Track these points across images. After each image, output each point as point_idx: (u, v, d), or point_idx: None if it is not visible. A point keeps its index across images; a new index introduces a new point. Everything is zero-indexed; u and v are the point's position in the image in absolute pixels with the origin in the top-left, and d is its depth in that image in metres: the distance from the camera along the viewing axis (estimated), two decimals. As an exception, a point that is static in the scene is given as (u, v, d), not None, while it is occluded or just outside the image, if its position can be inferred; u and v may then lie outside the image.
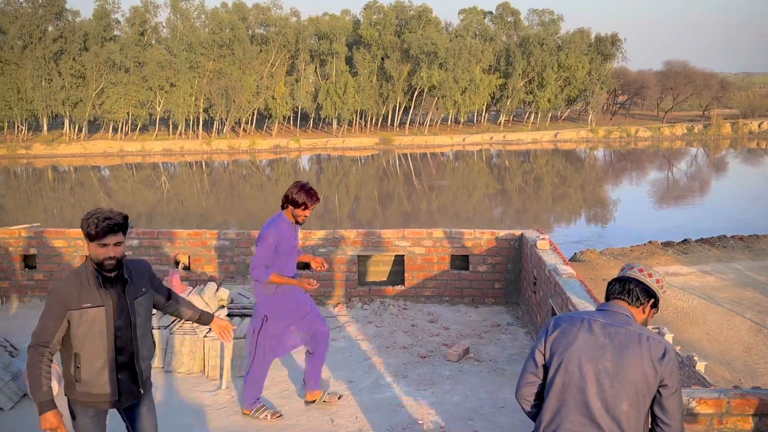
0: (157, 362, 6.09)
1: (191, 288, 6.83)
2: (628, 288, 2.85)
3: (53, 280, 7.89)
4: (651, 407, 2.72)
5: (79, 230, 7.81)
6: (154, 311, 3.95)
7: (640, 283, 2.86)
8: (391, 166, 52.21)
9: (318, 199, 5.01)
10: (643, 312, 2.85)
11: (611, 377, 2.65)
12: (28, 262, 8.06)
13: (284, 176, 48.45)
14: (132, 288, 3.47)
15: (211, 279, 7.83)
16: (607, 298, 2.91)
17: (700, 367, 10.87)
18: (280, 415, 5.16)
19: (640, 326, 2.77)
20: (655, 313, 2.95)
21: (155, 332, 6.11)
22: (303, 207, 4.93)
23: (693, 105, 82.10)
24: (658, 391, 2.68)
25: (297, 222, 5.03)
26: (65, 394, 3.49)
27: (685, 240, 22.27)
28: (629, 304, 2.83)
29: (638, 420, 2.67)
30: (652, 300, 2.87)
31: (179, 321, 6.30)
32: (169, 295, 3.86)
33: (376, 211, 33.04)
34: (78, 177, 47.54)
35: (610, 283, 2.94)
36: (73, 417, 3.49)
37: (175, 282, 6.45)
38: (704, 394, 3.54)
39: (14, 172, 49.77)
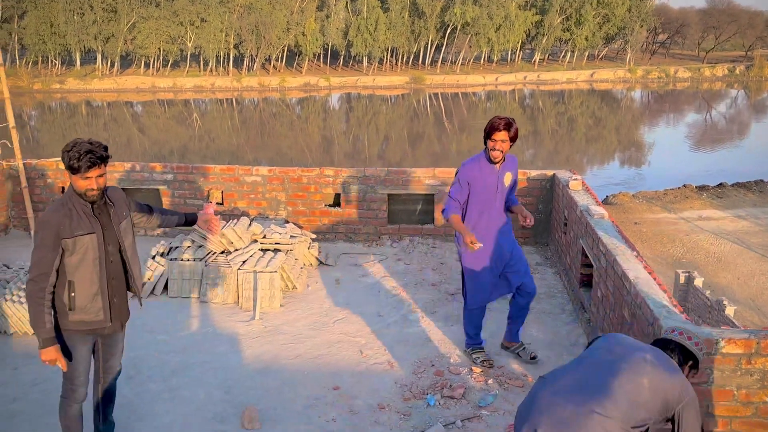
0: (192, 293, 6.27)
1: (224, 222, 6.95)
2: (669, 349, 3.01)
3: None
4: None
5: (116, 163, 7.94)
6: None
7: (680, 346, 3.03)
8: (422, 106, 51.64)
9: (502, 128, 4.55)
10: (683, 372, 2.98)
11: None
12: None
13: (314, 115, 48.29)
14: (116, 213, 3.61)
15: (244, 214, 7.94)
16: None
17: (730, 311, 10.84)
18: (491, 365, 5.01)
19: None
20: (695, 375, 3.10)
21: (191, 264, 6.27)
22: (489, 139, 4.58)
23: (735, 45, 79.19)
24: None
25: (489, 160, 4.67)
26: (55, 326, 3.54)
27: (720, 184, 21.85)
28: None
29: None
30: (691, 362, 3.04)
31: (213, 254, 6.45)
32: (151, 209, 4.02)
33: (406, 151, 32.89)
34: (111, 112, 47.95)
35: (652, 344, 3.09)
36: (65, 348, 3.54)
37: (209, 215, 6.56)
38: (733, 334, 3.55)
39: (49, 107, 50.36)
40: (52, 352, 3.42)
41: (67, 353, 3.53)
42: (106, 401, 3.90)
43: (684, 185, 21.48)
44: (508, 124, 4.58)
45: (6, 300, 5.46)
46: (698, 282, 11.79)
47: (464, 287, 5.07)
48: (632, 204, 19.36)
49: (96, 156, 3.35)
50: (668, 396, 2.74)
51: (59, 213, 3.40)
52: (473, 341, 5.15)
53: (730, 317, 10.67)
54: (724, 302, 11.00)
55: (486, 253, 4.83)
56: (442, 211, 4.86)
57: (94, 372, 3.81)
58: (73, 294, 3.46)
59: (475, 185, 4.70)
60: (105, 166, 3.44)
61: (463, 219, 4.81)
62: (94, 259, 3.48)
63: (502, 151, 4.61)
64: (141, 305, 3.93)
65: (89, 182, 3.39)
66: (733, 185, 21.17)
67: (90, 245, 3.45)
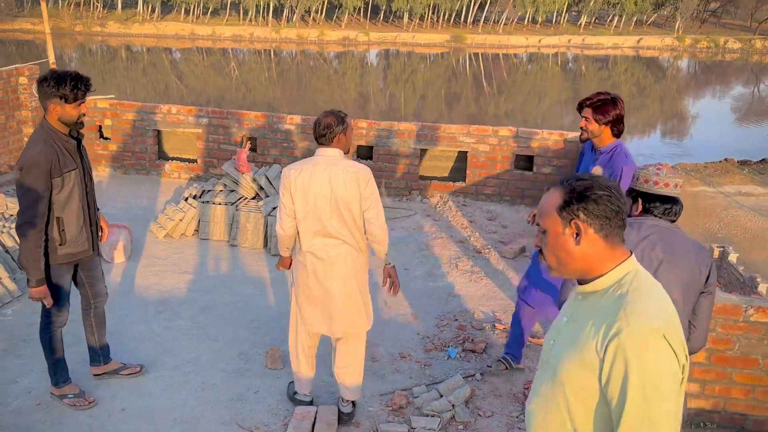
0: (223, 235, 6.37)
1: (257, 168, 7.00)
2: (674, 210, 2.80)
3: (125, 152, 8.21)
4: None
5: (154, 105, 8.02)
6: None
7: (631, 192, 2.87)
8: (461, 66, 50.89)
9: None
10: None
11: (665, 266, 2.65)
12: (103, 132, 8.37)
13: (351, 70, 47.94)
14: (82, 147, 3.69)
15: (276, 162, 7.99)
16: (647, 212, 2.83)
17: (762, 288, 10.69)
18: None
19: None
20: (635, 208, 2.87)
21: (222, 207, 6.35)
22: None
23: (793, 17, 76.04)
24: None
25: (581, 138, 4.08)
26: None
27: (763, 159, 21.27)
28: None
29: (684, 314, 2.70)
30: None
31: (245, 199, 6.52)
32: None
33: (442, 111, 32.57)
34: (150, 58, 48.19)
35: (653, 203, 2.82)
36: (49, 282, 3.63)
37: (241, 160, 6.62)
38: (763, 302, 3.51)
39: (89, 49, 50.77)
40: (44, 290, 3.54)
41: (51, 286, 3.63)
42: (100, 326, 4.03)
43: (725, 159, 20.97)
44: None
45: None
46: (732, 257, 11.61)
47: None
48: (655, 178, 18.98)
49: (90, 83, 3.47)
50: None
51: (47, 151, 3.39)
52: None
53: (762, 294, 10.53)
54: (757, 279, 10.84)
55: None
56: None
57: (83, 301, 3.95)
58: (62, 229, 3.55)
59: None
60: None
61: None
62: (79, 194, 3.58)
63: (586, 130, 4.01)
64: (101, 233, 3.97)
65: (81, 108, 3.47)
66: (777, 161, 20.59)
67: (76, 180, 3.54)
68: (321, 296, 3.55)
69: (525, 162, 7.94)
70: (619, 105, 3.90)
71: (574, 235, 1.71)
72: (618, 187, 1.74)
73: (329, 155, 3.47)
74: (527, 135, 7.71)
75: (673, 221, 2.75)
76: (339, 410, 3.77)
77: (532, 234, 6.97)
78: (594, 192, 1.71)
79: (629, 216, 2.82)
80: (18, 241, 3.54)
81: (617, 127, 3.91)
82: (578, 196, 1.71)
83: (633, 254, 1.76)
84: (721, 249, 12.38)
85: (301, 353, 3.77)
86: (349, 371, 3.73)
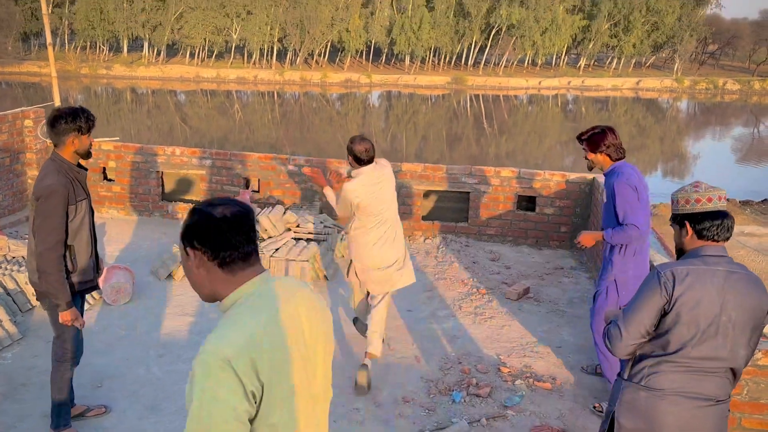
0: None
1: (259, 209, 7.02)
2: (726, 225, 2.65)
3: (129, 193, 8.24)
4: None
5: (157, 146, 8.07)
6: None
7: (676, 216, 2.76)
8: (462, 107, 51.40)
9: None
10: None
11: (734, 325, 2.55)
12: (107, 174, 8.42)
13: (353, 111, 48.42)
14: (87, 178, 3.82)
15: (279, 203, 8.01)
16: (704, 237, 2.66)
17: (766, 330, 10.58)
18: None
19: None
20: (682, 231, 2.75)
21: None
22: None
23: (790, 59, 77.05)
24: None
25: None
26: None
27: (765, 200, 21.32)
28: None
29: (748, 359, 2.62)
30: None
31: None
32: None
33: (444, 152, 32.79)
34: (155, 100, 48.79)
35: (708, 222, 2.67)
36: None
37: (244, 201, 6.64)
38: (771, 346, 3.46)
39: (95, 92, 51.45)
40: (75, 311, 3.61)
41: None
42: (80, 352, 3.97)
43: (727, 199, 20.98)
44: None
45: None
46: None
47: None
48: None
49: (91, 113, 3.69)
50: None
51: (63, 181, 3.52)
52: None
53: (766, 334, 10.40)
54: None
55: None
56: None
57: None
58: (74, 257, 3.63)
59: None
60: None
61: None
62: (88, 223, 3.69)
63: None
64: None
65: (91, 138, 3.67)
66: (779, 202, 20.61)
67: (86, 209, 3.68)
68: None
69: (527, 202, 7.95)
70: (608, 134, 4.33)
71: (193, 261, 1.78)
72: (233, 220, 1.75)
73: (380, 164, 4.63)
74: (529, 176, 7.74)
75: (728, 238, 2.62)
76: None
77: (536, 276, 6.94)
78: (203, 222, 1.75)
79: (680, 244, 2.71)
80: (39, 270, 3.56)
81: (612, 152, 4.32)
82: (190, 225, 1.77)
83: (260, 275, 1.79)
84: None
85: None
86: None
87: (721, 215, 2.62)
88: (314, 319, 1.85)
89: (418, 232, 8.00)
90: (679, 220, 2.70)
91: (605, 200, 4.39)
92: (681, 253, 2.74)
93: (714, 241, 2.62)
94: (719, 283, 2.52)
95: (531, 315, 5.93)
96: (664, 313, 2.56)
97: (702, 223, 2.62)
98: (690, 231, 2.65)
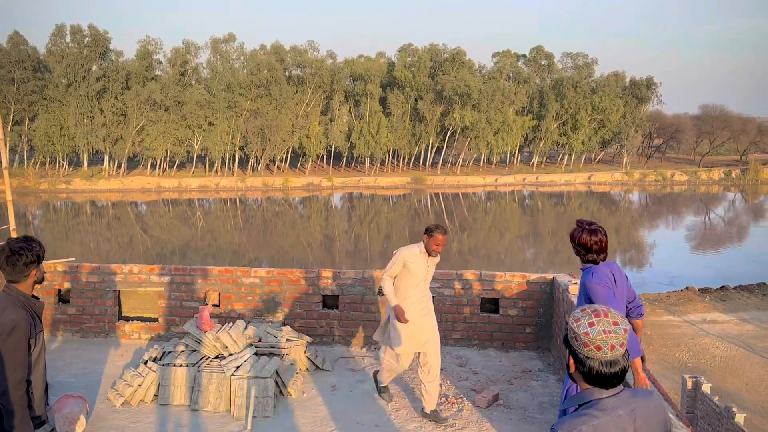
0: (183, 400, 6.08)
1: (220, 325, 6.84)
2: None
3: (84, 315, 7.99)
4: None
5: (115, 265, 7.93)
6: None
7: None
8: (423, 206, 52.24)
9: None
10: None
11: None
12: (63, 296, 8.18)
13: (316, 213, 48.79)
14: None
15: (240, 316, 7.84)
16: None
17: (740, 418, 10.50)
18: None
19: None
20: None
21: (183, 369, 6.12)
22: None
23: (730, 149, 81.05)
24: None
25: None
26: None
27: (723, 287, 21.77)
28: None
29: None
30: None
31: (207, 359, 6.31)
32: None
33: (407, 250, 32.95)
34: (115, 212, 48.50)
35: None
36: None
37: (204, 318, 6.48)
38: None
39: (54, 206, 50.99)
40: None
41: None
42: None
43: (686, 287, 21.38)
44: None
45: None
46: (706, 387, 11.49)
47: None
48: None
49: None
50: None
51: (23, 314, 3.40)
52: None
53: (740, 425, 10.31)
54: (734, 409, 10.66)
55: None
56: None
57: None
58: (31, 391, 3.46)
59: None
60: None
61: None
62: (43, 354, 3.55)
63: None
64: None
65: (42, 268, 3.58)
66: (735, 288, 21.06)
67: (42, 342, 3.53)
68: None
69: (491, 304, 7.93)
70: (575, 233, 4.31)
71: None
72: None
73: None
74: (490, 278, 7.76)
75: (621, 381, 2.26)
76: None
77: (504, 381, 6.82)
78: None
79: (569, 369, 2.34)
80: (1, 410, 3.36)
81: (582, 254, 4.29)
82: None
83: None
84: (694, 379, 12.23)
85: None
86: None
87: (612, 364, 2.23)
88: None
89: (384, 339, 7.86)
90: (567, 344, 2.34)
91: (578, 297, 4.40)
92: (573, 377, 2.37)
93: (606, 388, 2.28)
94: (627, 429, 2.24)
95: (502, 424, 5.78)
96: None
97: (585, 366, 2.26)
98: (577, 374, 2.31)
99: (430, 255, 5.70)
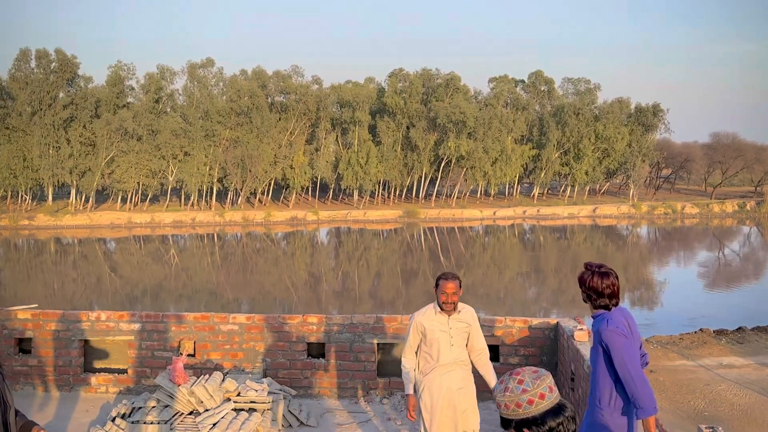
0: (154, 461, 5.98)
1: (195, 377, 6.78)
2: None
3: (47, 366, 7.89)
4: None
5: (81, 312, 7.87)
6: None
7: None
8: (416, 241, 52.28)
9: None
10: None
11: None
12: (23, 346, 8.08)
13: (300, 250, 48.70)
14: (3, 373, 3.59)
15: (218, 367, 7.76)
16: None
17: (763, 475, 10.40)
18: None
19: None
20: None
21: (155, 428, 6.03)
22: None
23: (744, 180, 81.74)
24: None
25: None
26: None
27: (740, 328, 21.78)
28: None
29: None
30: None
31: (181, 415, 6.23)
32: None
33: (399, 289, 32.89)
34: (82, 250, 48.23)
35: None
36: None
37: (177, 370, 6.41)
38: None
39: (15, 244, 50.65)
40: None
41: None
42: None
43: (701, 329, 21.36)
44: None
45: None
46: (724, 440, 11.39)
47: None
48: (646, 350, 19.12)
49: None
50: None
51: None
52: None
53: (764, 482, 10.23)
54: (756, 465, 10.59)
55: None
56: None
57: None
58: None
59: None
60: None
61: None
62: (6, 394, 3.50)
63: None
64: None
65: None
66: (753, 329, 21.05)
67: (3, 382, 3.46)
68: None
69: (491, 352, 7.88)
70: (586, 276, 4.26)
71: None
72: None
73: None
74: (490, 323, 7.74)
75: (575, 430, 2.34)
76: None
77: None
78: None
79: None
80: None
81: (593, 299, 4.25)
82: None
83: None
84: (711, 430, 12.17)
85: None
86: None
87: (560, 409, 2.33)
88: None
89: (374, 390, 7.80)
90: (515, 426, 2.38)
91: (592, 344, 4.39)
92: None
93: None
94: None
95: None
96: None
97: (545, 425, 2.33)
98: None
99: (443, 311, 5.09)
